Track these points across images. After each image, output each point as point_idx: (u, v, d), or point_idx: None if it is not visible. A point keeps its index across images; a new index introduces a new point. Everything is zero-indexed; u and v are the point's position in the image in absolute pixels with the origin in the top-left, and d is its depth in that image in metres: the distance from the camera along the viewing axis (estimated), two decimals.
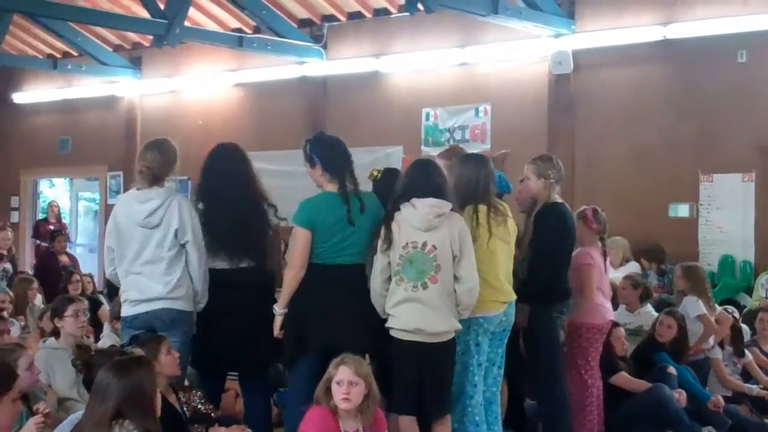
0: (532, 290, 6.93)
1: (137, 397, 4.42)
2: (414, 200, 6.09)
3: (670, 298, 10.25)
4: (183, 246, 6.36)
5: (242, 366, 6.74)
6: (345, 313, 6.13)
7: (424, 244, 6.06)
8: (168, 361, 5.84)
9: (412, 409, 6.12)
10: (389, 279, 6.11)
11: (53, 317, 7.02)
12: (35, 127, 19.37)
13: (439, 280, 6.06)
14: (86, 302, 7.38)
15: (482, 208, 6.46)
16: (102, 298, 10.92)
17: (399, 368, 6.11)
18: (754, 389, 8.80)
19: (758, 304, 10.46)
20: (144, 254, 6.37)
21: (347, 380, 5.44)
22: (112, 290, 8.81)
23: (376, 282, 6.14)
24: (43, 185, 20.75)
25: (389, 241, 6.06)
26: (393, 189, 6.33)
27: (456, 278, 6.12)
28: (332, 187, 6.25)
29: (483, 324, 6.42)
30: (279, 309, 6.30)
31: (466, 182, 6.49)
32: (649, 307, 9.21)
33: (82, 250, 19.85)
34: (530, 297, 6.91)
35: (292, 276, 6.24)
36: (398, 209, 6.13)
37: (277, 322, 6.30)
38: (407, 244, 6.05)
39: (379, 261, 6.12)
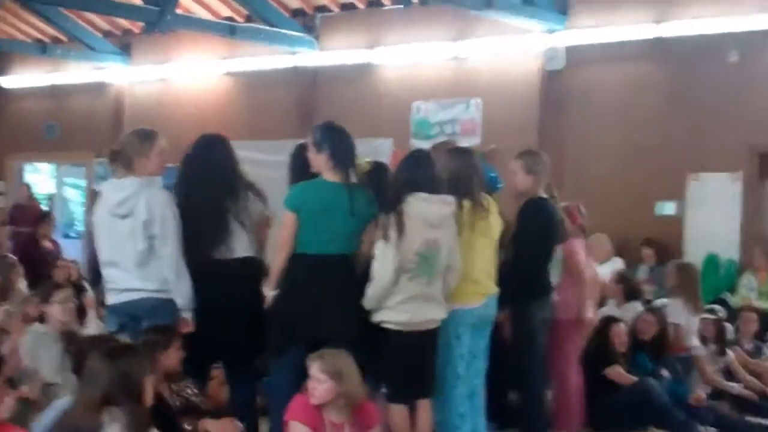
0: (510, 285, 6.88)
1: (126, 384, 4.41)
2: (423, 194, 6.07)
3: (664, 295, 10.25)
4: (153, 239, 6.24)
5: (227, 357, 6.70)
6: (332, 305, 6.08)
7: (435, 241, 6.08)
8: (175, 355, 5.87)
9: (412, 397, 6.21)
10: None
11: (40, 302, 6.97)
12: (22, 112, 19.29)
13: (440, 273, 6.17)
14: (71, 289, 7.34)
15: (466, 204, 6.44)
16: (86, 285, 10.85)
17: (403, 359, 6.11)
18: (735, 387, 8.84)
19: (740, 303, 10.51)
20: (117, 245, 6.26)
21: (314, 376, 5.41)
22: (96, 277, 8.75)
23: (387, 273, 6.00)
24: (27, 170, 20.64)
25: (401, 233, 5.97)
26: (387, 180, 6.36)
27: (447, 267, 6.20)
28: (332, 176, 6.17)
29: (463, 316, 6.43)
30: (268, 290, 6.30)
31: (449, 176, 6.42)
32: (637, 304, 9.22)
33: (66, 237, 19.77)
34: (509, 292, 6.86)
35: (277, 258, 6.23)
36: (404, 201, 6.07)
37: (267, 301, 6.31)
38: (423, 241, 6.04)
39: (390, 251, 5.97)
